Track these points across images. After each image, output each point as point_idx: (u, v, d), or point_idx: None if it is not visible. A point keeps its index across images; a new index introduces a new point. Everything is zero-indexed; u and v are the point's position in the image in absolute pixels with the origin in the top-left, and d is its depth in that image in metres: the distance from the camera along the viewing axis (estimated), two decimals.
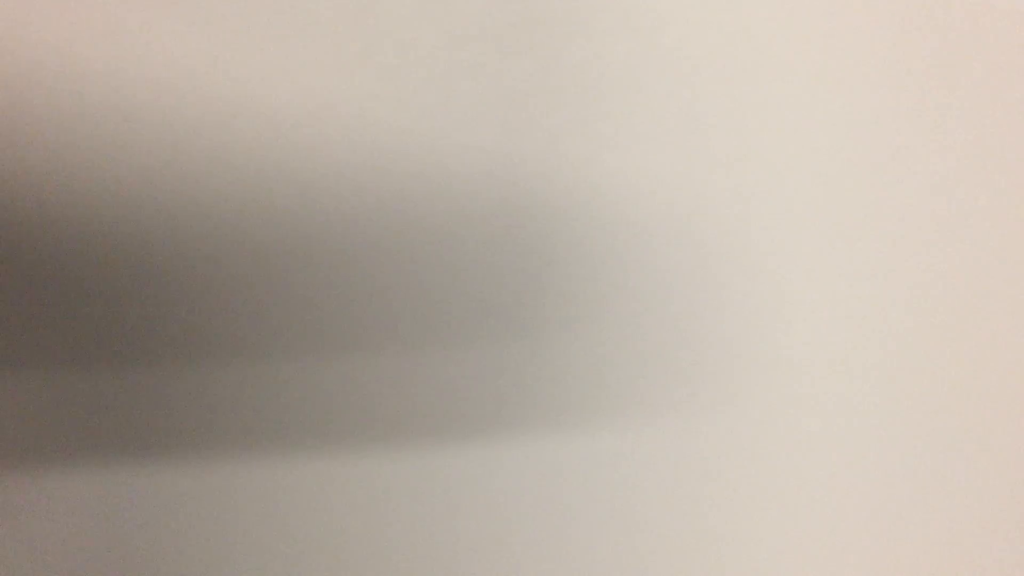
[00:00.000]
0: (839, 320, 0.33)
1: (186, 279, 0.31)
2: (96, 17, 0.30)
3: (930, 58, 0.33)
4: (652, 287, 0.32)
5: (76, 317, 0.30)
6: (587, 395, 0.32)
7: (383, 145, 0.31)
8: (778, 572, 0.33)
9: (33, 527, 0.31)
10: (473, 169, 0.31)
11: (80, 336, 0.30)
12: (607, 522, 0.32)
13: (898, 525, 0.33)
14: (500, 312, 0.32)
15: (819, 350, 0.33)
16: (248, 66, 0.30)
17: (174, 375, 0.31)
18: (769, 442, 0.33)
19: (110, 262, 0.30)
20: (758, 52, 0.32)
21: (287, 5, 0.30)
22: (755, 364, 0.32)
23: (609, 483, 0.32)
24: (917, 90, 0.33)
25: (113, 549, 0.31)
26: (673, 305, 0.32)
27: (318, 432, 0.31)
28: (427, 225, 0.31)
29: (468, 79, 0.31)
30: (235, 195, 0.31)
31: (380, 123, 0.31)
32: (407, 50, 0.31)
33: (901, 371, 0.33)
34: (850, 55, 0.33)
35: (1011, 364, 0.34)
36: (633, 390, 0.32)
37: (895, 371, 0.33)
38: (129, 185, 0.30)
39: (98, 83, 0.30)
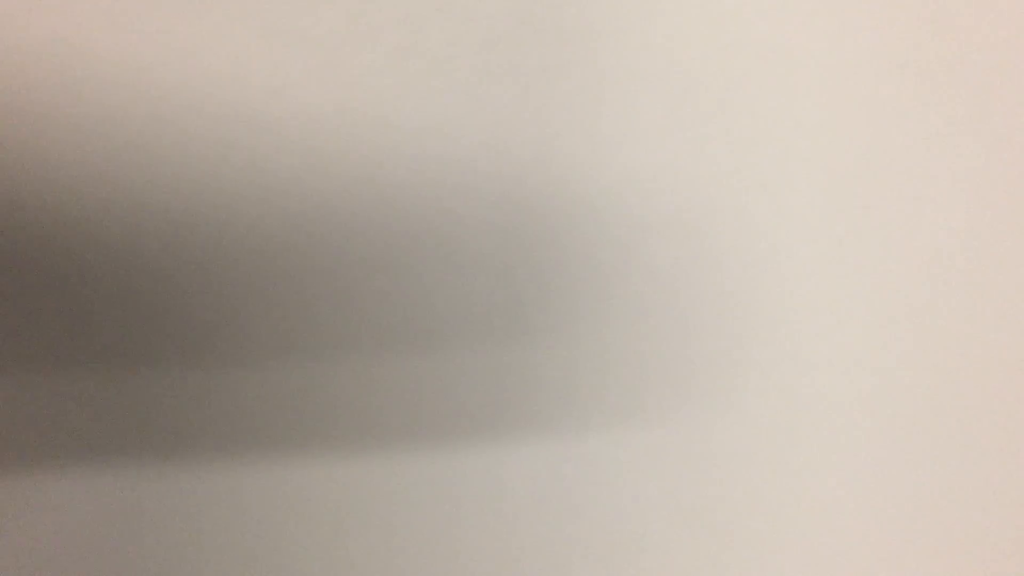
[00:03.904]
0: (844, 322, 0.33)
1: (187, 279, 0.31)
2: (97, 18, 0.30)
3: (933, 52, 0.33)
4: (655, 289, 0.32)
5: (78, 318, 0.30)
6: (590, 397, 0.32)
7: (383, 147, 0.31)
8: (782, 573, 0.33)
9: (33, 527, 0.30)
10: (475, 171, 0.31)
11: (81, 337, 0.30)
12: (611, 524, 0.32)
13: (901, 526, 0.33)
14: (503, 314, 0.31)
15: (824, 352, 0.33)
16: (249, 68, 0.30)
17: (175, 376, 0.31)
18: (774, 444, 0.33)
19: (112, 263, 0.30)
20: (759, 48, 0.32)
21: (288, 4, 0.30)
22: (759, 366, 0.32)
23: (613, 485, 0.32)
24: (920, 87, 0.33)
25: (113, 550, 0.31)
26: (677, 307, 0.32)
27: (320, 434, 0.31)
28: (429, 227, 0.31)
29: (469, 80, 0.31)
30: (237, 197, 0.31)
31: (379, 125, 0.31)
32: (406, 50, 0.31)
33: (905, 373, 0.33)
34: (851, 50, 0.33)
35: (1016, 365, 0.33)
36: (636, 392, 0.32)
37: (899, 373, 0.33)
38: (132, 185, 0.30)
39: (101, 83, 0.30)
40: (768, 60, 0.32)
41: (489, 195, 0.31)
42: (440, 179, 0.31)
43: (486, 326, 0.31)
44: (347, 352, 0.31)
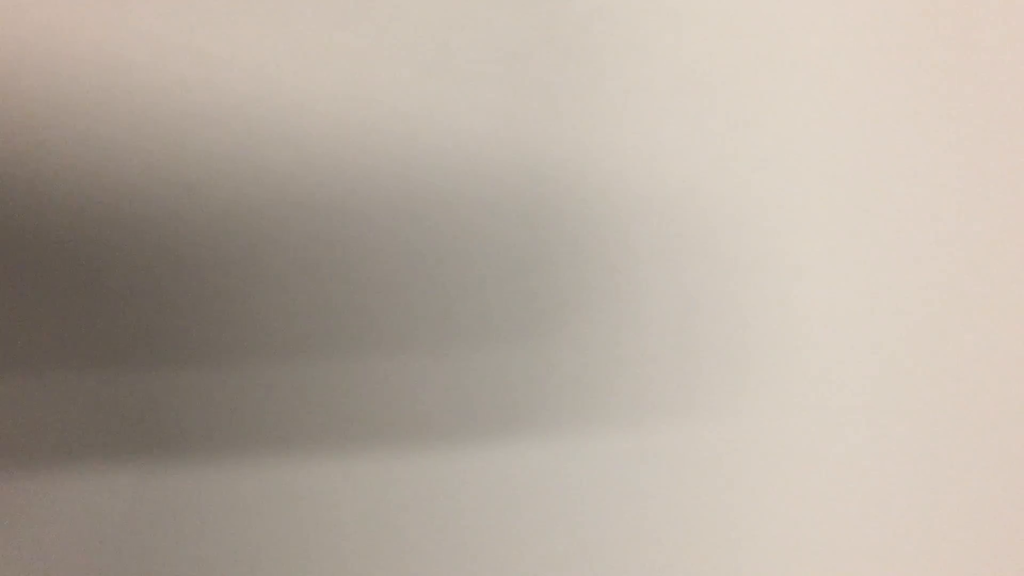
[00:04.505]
0: (850, 322, 0.33)
1: (189, 277, 0.31)
2: (122, 29, 0.30)
3: (944, 49, 0.33)
4: (662, 288, 0.32)
5: (78, 317, 0.30)
6: (595, 396, 0.32)
7: (393, 149, 0.31)
8: (786, 573, 0.33)
9: (33, 527, 0.30)
10: (484, 173, 0.31)
11: (82, 336, 0.30)
12: (616, 524, 0.32)
13: (904, 528, 0.33)
14: (510, 315, 0.31)
15: (829, 352, 0.33)
16: (246, 57, 0.30)
17: (177, 375, 0.31)
18: (779, 444, 0.33)
19: (112, 261, 0.30)
20: (767, 52, 0.32)
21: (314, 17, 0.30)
22: (767, 366, 0.32)
23: (618, 485, 0.32)
24: (931, 83, 0.33)
25: (113, 549, 0.31)
26: (684, 306, 0.32)
27: (324, 433, 0.31)
28: (434, 225, 0.31)
29: (479, 82, 0.31)
30: (236, 194, 0.30)
31: (388, 127, 0.31)
32: (423, 59, 0.31)
33: (911, 374, 0.33)
34: (858, 51, 0.32)
35: (1018, 366, 0.33)
36: (642, 391, 0.32)
37: (905, 374, 0.33)
38: (132, 183, 0.30)
39: (101, 76, 0.30)
40: (776, 63, 0.32)
41: (499, 197, 0.31)
42: (450, 180, 0.31)
43: (494, 326, 0.31)
44: (354, 351, 0.31)
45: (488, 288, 0.31)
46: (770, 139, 0.32)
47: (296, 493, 0.31)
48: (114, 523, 0.31)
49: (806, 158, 0.32)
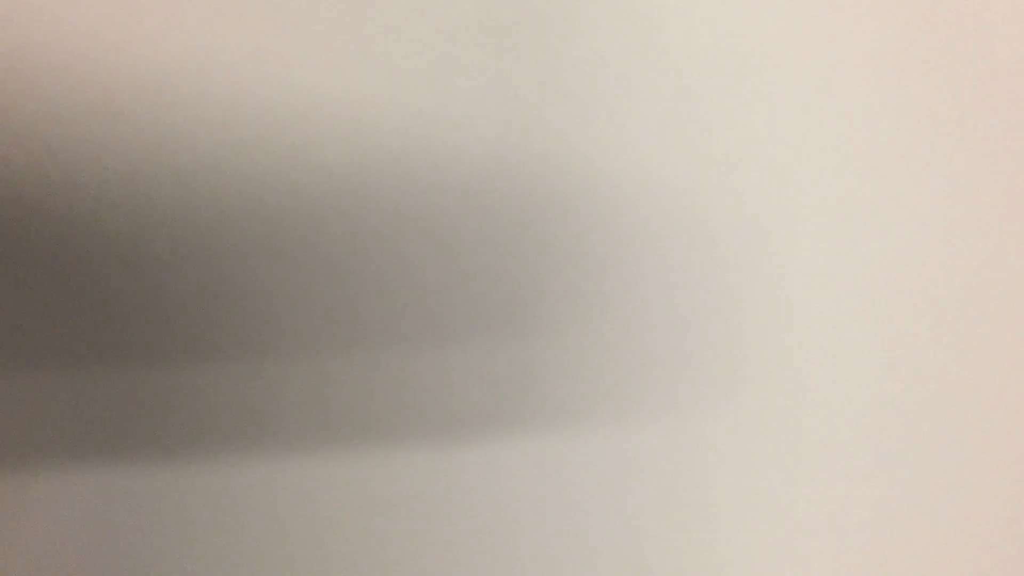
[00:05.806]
0: (840, 319, 0.33)
1: (184, 277, 0.31)
2: (99, 13, 0.30)
3: (934, 52, 0.33)
4: (652, 285, 0.32)
5: (76, 316, 0.30)
6: (586, 393, 0.32)
7: (381, 142, 0.31)
8: (777, 571, 0.33)
9: (33, 527, 0.30)
10: (472, 167, 0.31)
11: (80, 336, 0.30)
12: (606, 520, 0.32)
13: (898, 525, 0.33)
14: (499, 310, 0.31)
15: (820, 349, 0.33)
16: (244, 60, 0.30)
17: (172, 375, 0.31)
18: (769, 441, 0.33)
19: (109, 261, 0.30)
20: (759, 45, 0.32)
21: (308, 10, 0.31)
22: (755, 362, 0.32)
23: (608, 481, 0.32)
24: (922, 85, 0.33)
25: (112, 549, 0.31)
26: (673, 303, 0.32)
27: (317, 431, 0.31)
28: (426, 223, 0.31)
29: (467, 74, 0.31)
30: (232, 193, 0.31)
31: (377, 118, 0.31)
32: (410, 52, 0.31)
33: (902, 371, 0.33)
34: (851, 49, 0.33)
35: (1013, 364, 0.33)
36: (633, 388, 0.32)
37: (896, 370, 0.33)
38: (128, 183, 0.30)
39: (102, 79, 0.30)
40: (768, 57, 0.32)
41: (486, 192, 0.31)
42: (439, 177, 0.31)
43: (483, 323, 0.31)
44: (343, 349, 0.31)
45: (480, 289, 0.31)
46: (755, 135, 0.32)
47: (288, 490, 0.31)
48: (114, 523, 0.31)
49: (793, 155, 0.33)
